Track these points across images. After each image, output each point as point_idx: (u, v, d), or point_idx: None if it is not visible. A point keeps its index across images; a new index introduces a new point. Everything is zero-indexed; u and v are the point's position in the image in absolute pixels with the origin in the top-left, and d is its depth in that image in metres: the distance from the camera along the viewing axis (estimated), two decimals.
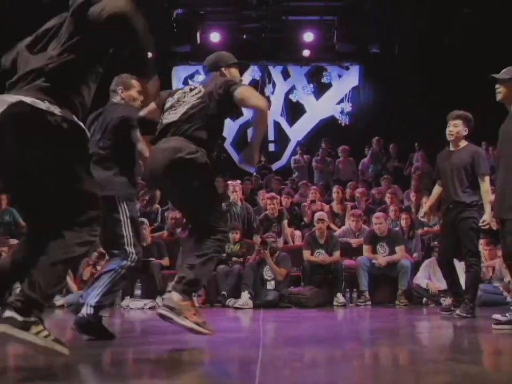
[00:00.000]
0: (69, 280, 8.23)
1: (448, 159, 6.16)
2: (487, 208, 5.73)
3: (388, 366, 3.38)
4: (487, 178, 5.94)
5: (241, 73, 4.74)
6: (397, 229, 8.53)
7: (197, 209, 3.88)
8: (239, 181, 10.13)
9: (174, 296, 3.68)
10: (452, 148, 6.21)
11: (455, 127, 6.08)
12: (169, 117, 3.97)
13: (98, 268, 8.41)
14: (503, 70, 4.87)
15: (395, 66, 13.34)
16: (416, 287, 7.83)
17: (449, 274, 6.20)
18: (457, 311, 5.84)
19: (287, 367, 3.21)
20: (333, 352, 3.79)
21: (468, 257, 5.98)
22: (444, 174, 6.18)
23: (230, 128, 14.81)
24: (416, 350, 3.98)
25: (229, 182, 10.15)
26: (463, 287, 6.12)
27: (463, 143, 6.14)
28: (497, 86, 4.83)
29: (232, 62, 4.40)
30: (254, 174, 13.18)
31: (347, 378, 2.91)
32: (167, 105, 4.06)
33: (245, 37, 13.54)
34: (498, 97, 4.83)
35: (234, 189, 9.51)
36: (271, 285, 7.79)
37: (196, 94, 3.99)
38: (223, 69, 4.29)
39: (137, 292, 8.08)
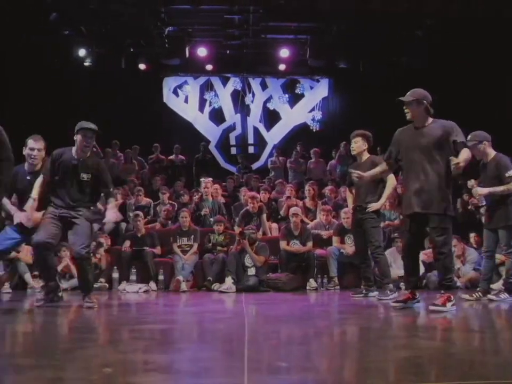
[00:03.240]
0: (72, 266, 8.16)
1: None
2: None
3: (357, 342, 3.41)
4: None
5: None
6: None
7: None
8: (210, 179, 10.05)
9: None
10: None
11: (356, 143, 6.51)
12: None
13: (98, 256, 8.37)
14: (408, 93, 4.98)
15: (360, 80, 13.45)
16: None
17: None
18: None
19: (270, 343, 3.23)
20: (308, 330, 3.82)
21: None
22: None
23: (214, 132, 14.80)
24: (380, 328, 4.02)
25: (201, 179, 10.13)
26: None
27: (366, 156, 6.50)
28: (404, 107, 4.96)
29: (78, 129, 5.11)
30: (236, 173, 13.19)
31: (323, 352, 2.94)
32: None
33: (228, 52, 13.53)
34: (408, 116, 4.98)
35: (206, 186, 9.49)
36: (251, 271, 7.78)
37: None
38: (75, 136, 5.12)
39: (133, 277, 8.03)
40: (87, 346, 3.08)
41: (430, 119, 4.92)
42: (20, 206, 5.38)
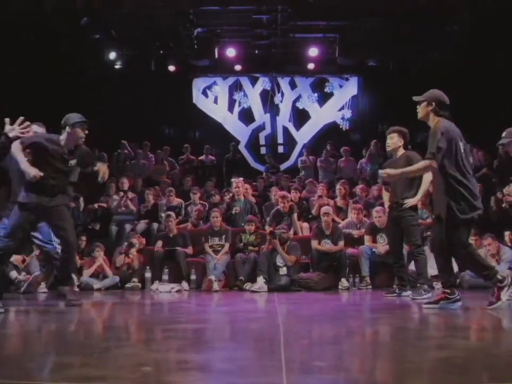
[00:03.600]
0: (106, 266, 8.28)
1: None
2: None
3: (393, 342, 3.37)
4: None
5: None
6: None
7: None
8: (241, 178, 10.05)
9: None
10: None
11: (391, 139, 6.43)
12: None
13: (130, 256, 8.47)
14: (424, 93, 5.01)
15: (390, 78, 13.31)
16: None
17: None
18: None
19: (305, 342, 3.22)
20: (342, 329, 3.80)
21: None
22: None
23: (243, 132, 14.82)
24: (416, 328, 3.97)
25: (232, 180, 10.13)
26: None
27: (401, 152, 6.42)
28: (417, 106, 5.01)
29: (74, 122, 5.23)
30: (265, 173, 13.19)
31: (359, 352, 2.92)
32: None
33: (256, 52, 13.51)
34: (418, 116, 5.02)
35: (237, 185, 9.51)
36: (283, 271, 7.77)
37: None
38: (68, 128, 5.18)
39: (165, 277, 8.09)
40: (124, 346, 3.12)
41: (436, 119, 4.88)
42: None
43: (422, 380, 2.24)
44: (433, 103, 4.89)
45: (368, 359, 2.70)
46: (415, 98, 5.00)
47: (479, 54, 11.71)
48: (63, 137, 5.33)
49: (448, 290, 4.90)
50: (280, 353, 2.61)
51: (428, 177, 6.31)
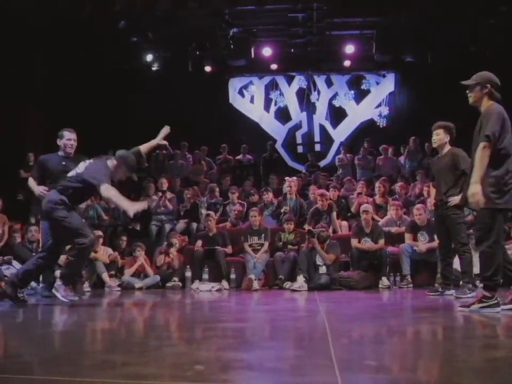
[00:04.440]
0: (147, 266, 8.39)
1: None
2: None
3: (443, 341, 3.31)
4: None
5: None
6: None
7: None
8: (294, 178, 10.08)
9: None
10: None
11: (437, 135, 6.27)
12: None
13: (170, 255, 8.56)
14: (472, 77, 4.72)
15: (428, 73, 13.09)
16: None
17: None
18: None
19: (354, 341, 3.20)
20: (389, 328, 3.75)
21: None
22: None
23: (280, 131, 14.81)
24: (465, 327, 3.90)
25: (286, 178, 10.13)
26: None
27: (447, 148, 6.28)
28: (467, 91, 4.72)
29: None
30: (304, 171, 13.14)
31: (411, 351, 2.88)
32: None
33: (292, 50, 13.47)
34: (470, 100, 4.71)
35: (289, 185, 9.52)
36: (323, 270, 7.74)
37: None
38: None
39: (205, 276, 8.14)
40: (171, 345, 3.15)
41: (490, 103, 4.58)
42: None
43: (481, 380, 2.19)
44: (488, 85, 4.59)
45: (420, 358, 2.66)
46: (465, 82, 4.70)
47: None
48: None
49: None
50: (330, 352, 2.59)
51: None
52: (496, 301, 4.38)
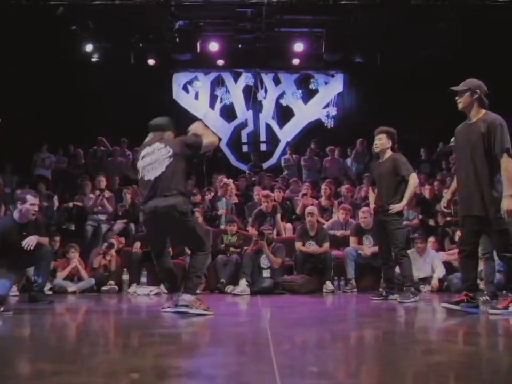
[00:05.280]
0: (81, 268, 8.20)
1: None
2: None
3: (386, 346, 3.38)
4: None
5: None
6: None
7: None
8: (231, 180, 10.04)
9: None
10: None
11: (380, 140, 6.47)
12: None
13: (108, 257, 8.40)
14: (461, 83, 4.95)
15: (377, 75, 13.39)
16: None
17: None
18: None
19: (296, 347, 3.23)
20: (331, 333, 3.81)
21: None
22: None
23: (225, 129, 14.78)
24: (407, 332, 4.00)
25: (224, 179, 10.14)
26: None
27: (388, 154, 6.49)
28: (456, 97, 4.93)
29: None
30: (247, 172, 13.18)
31: (353, 357, 2.93)
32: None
33: (240, 46, 13.49)
34: (459, 107, 4.93)
35: (226, 186, 9.55)
36: (267, 273, 7.77)
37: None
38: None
39: (143, 279, 8.04)
40: (107, 351, 3.10)
41: (483, 111, 4.83)
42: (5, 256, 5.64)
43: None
44: (478, 91, 4.80)
45: (362, 364, 2.72)
46: (455, 88, 4.90)
47: (468, 51, 11.85)
48: None
49: None
50: (271, 358, 2.61)
51: (414, 181, 6.42)
52: None
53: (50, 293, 7.81)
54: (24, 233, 5.78)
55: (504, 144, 4.59)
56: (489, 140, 4.66)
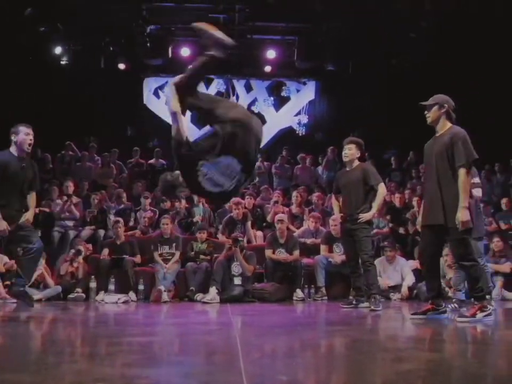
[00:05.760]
0: (47, 275, 8.07)
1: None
2: None
3: (355, 354, 3.40)
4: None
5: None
6: None
7: None
8: None
9: None
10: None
11: (349, 150, 6.61)
12: None
13: (75, 264, 8.29)
14: (430, 98, 5.15)
15: (348, 83, 13.54)
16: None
17: None
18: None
19: (265, 355, 3.23)
20: (301, 342, 3.82)
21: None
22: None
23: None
24: (376, 340, 4.04)
25: None
26: None
27: (356, 163, 6.65)
28: (425, 112, 5.14)
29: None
30: None
31: (322, 365, 2.94)
32: None
33: None
34: (428, 121, 5.14)
35: None
36: (238, 280, 7.76)
37: None
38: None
39: (111, 287, 7.95)
40: (73, 361, 3.06)
41: (449, 125, 5.04)
42: (13, 193, 5.59)
43: None
44: (446, 105, 5.03)
45: (330, 372, 2.73)
46: (424, 103, 5.11)
47: (439, 59, 12.07)
48: None
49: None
50: (240, 367, 2.60)
51: (382, 191, 6.54)
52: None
53: (14, 300, 7.69)
54: (23, 164, 5.63)
55: (464, 158, 4.79)
56: (452, 151, 4.85)
